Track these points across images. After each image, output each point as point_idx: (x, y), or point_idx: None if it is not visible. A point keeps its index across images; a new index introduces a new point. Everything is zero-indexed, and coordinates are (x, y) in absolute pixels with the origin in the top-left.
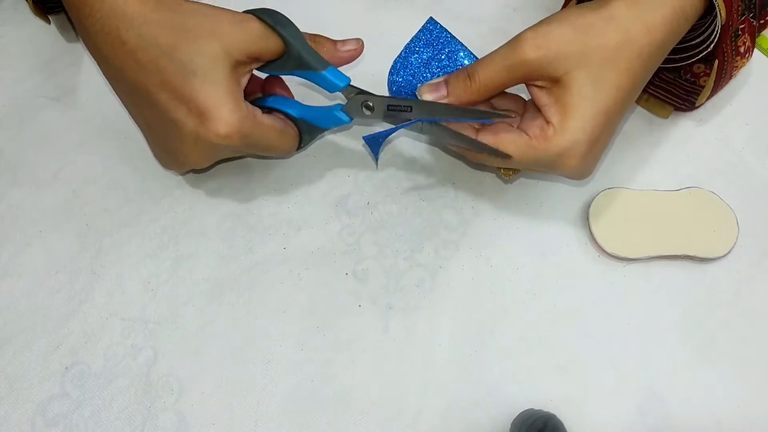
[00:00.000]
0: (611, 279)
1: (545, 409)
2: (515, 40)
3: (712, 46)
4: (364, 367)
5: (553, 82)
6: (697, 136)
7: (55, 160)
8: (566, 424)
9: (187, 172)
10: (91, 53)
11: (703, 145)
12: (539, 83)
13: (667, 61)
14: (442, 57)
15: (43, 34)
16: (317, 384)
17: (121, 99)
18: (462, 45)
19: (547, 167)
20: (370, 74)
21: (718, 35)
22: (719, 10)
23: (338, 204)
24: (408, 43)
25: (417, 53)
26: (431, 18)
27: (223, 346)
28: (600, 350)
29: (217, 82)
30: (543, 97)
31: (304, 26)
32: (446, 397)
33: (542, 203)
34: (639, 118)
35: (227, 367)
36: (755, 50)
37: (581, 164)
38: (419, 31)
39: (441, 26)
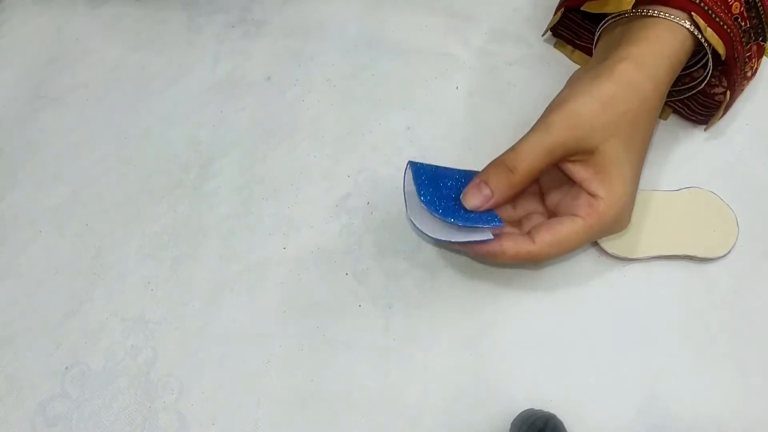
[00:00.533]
0: (611, 279)
1: (545, 409)
2: (546, 125)
3: (707, 78)
4: (364, 367)
5: (588, 154)
6: (696, 136)
7: (55, 160)
8: (566, 424)
9: None
10: None
11: (703, 145)
12: (574, 158)
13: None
14: (448, 184)
15: (43, 34)
16: (317, 384)
17: None
18: (452, 169)
19: (601, 236)
20: (370, 74)
21: (723, 67)
22: (712, 49)
23: (338, 204)
24: (407, 191)
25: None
26: (410, 162)
27: (223, 346)
28: (600, 350)
29: None
30: (580, 172)
31: (304, 26)
32: (446, 397)
33: None
34: None
35: (227, 367)
36: None
37: (628, 219)
38: (413, 176)
39: (420, 165)
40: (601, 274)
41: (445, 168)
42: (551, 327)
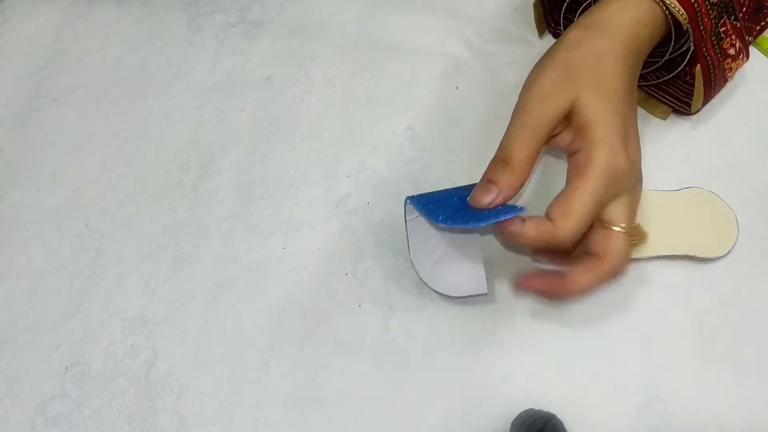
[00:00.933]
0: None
1: (545, 409)
2: (521, 108)
3: (681, 50)
4: (364, 367)
5: (566, 116)
6: (696, 136)
7: (55, 160)
8: (566, 424)
9: None
10: None
11: (703, 145)
12: (558, 130)
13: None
14: (454, 200)
15: (43, 34)
16: (317, 384)
17: None
18: (448, 190)
19: (611, 188)
20: (370, 74)
21: (691, 43)
22: (674, 16)
23: (338, 204)
24: (410, 226)
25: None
26: (407, 198)
27: (223, 346)
28: (600, 350)
29: None
30: (564, 139)
31: (304, 26)
32: (446, 397)
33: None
34: (638, 120)
35: (227, 367)
36: (755, 50)
37: (627, 158)
38: (418, 208)
39: (419, 196)
40: None
41: (442, 190)
42: (551, 327)
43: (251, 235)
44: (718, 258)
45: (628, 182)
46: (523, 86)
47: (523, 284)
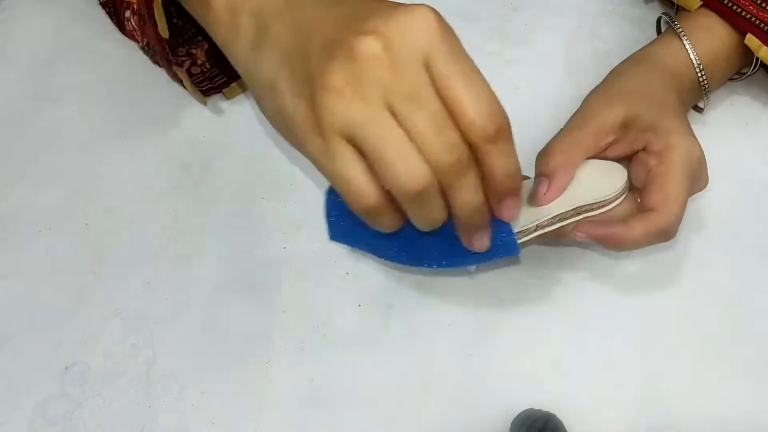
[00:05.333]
0: (611, 278)
1: (545, 409)
2: (568, 125)
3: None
4: (364, 367)
5: (621, 126)
6: (697, 135)
7: (55, 160)
8: (566, 424)
9: None
10: None
11: (703, 145)
12: (610, 138)
13: None
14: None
15: (43, 34)
16: (317, 384)
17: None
18: None
19: (696, 167)
20: None
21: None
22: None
23: None
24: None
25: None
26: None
27: (223, 346)
28: (600, 350)
29: None
30: (626, 143)
31: None
32: (446, 397)
33: None
34: None
35: (227, 367)
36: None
37: (699, 145)
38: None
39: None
40: (602, 274)
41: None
42: (551, 327)
43: (251, 234)
44: (610, 202)
45: (703, 169)
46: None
47: (584, 230)
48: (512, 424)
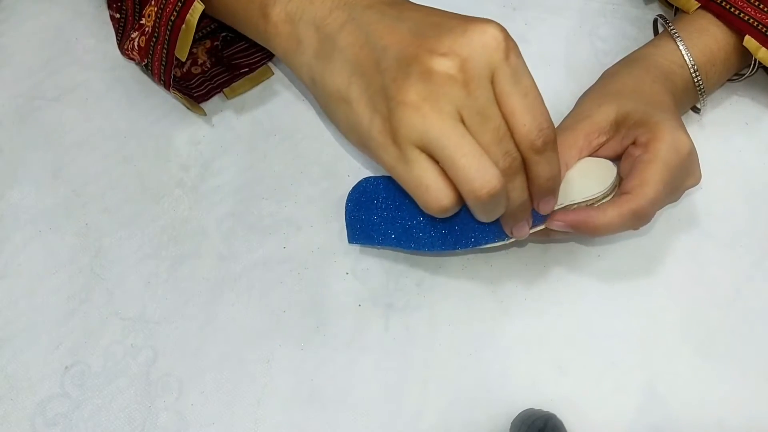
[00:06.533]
0: (611, 278)
1: (545, 409)
2: (562, 125)
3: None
4: (364, 367)
5: (613, 125)
6: (696, 136)
7: (55, 160)
8: (566, 424)
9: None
10: (321, 8)
11: (703, 145)
12: (603, 138)
13: None
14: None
15: (43, 34)
16: (317, 384)
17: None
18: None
19: (681, 162)
20: None
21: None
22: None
23: (338, 203)
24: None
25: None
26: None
27: (223, 346)
28: (600, 350)
29: None
30: (617, 140)
31: None
32: (446, 397)
33: None
34: None
35: (227, 367)
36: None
37: (689, 138)
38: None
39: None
40: (601, 274)
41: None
42: (551, 327)
43: (251, 234)
44: (598, 199)
45: (693, 163)
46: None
47: (559, 218)
48: (512, 424)
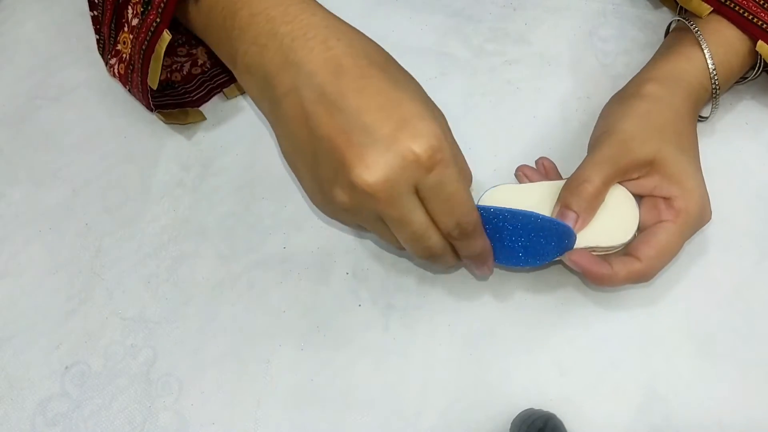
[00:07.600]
0: None
1: (545, 409)
2: (605, 144)
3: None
4: (364, 367)
5: (647, 166)
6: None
7: (55, 160)
8: (566, 424)
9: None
10: (270, 64)
11: (703, 145)
12: (635, 175)
13: None
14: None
15: (43, 34)
16: (317, 384)
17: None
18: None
19: (691, 231)
20: None
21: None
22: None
23: None
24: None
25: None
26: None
27: (223, 346)
28: (600, 350)
29: (424, 100)
30: (647, 183)
31: None
32: (446, 397)
33: None
34: None
35: (227, 367)
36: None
37: (710, 210)
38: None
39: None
40: None
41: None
42: (551, 327)
43: (251, 234)
44: (621, 245)
45: (706, 220)
46: (602, 123)
47: (572, 256)
48: (512, 424)
